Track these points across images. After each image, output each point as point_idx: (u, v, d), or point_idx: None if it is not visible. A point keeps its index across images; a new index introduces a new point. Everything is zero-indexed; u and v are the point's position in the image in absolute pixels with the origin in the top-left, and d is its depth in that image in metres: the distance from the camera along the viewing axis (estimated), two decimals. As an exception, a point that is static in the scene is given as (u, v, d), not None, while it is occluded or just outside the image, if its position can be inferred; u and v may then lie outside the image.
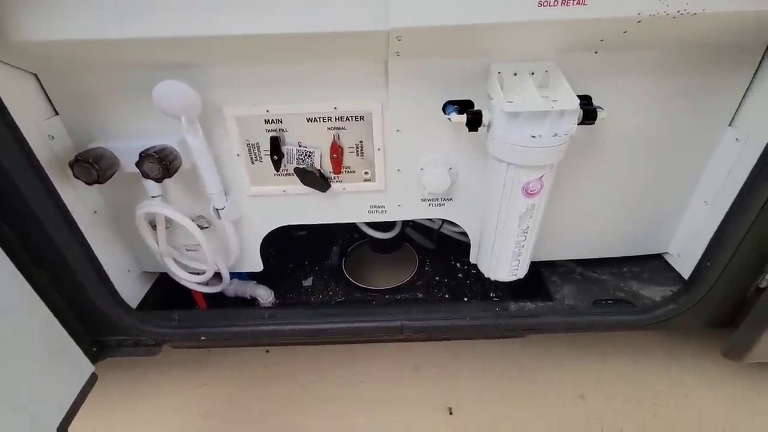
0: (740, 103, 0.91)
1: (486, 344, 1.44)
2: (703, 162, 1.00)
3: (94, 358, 0.99)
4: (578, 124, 0.80)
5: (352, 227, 1.45)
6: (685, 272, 1.10)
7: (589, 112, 0.80)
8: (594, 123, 0.81)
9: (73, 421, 0.91)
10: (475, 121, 0.81)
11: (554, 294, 1.11)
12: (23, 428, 0.76)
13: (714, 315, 1.02)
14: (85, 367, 0.96)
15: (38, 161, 0.76)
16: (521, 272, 1.01)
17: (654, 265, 1.19)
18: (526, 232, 0.91)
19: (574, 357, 1.39)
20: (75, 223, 0.84)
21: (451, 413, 1.27)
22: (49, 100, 0.86)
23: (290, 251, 1.56)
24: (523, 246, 0.93)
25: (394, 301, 1.39)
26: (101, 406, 1.27)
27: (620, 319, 1.02)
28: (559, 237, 1.10)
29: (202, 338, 0.98)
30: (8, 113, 0.70)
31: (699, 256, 0.98)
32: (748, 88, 0.89)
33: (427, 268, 1.51)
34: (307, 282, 1.48)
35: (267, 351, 1.48)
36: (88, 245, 0.87)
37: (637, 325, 1.01)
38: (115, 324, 0.95)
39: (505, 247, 0.94)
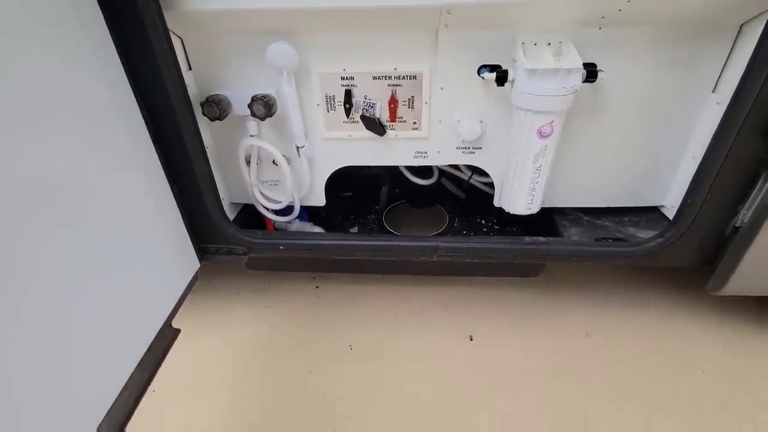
0: (720, 73, 1.13)
1: (503, 288, 1.69)
2: (691, 124, 1.22)
3: (198, 259, 1.30)
4: (582, 81, 1.04)
5: (393, 184, 1.72)
6: (678, 220, 1.31)
7: (591, 72, 1.04)
8: (595, 81, 1.05)
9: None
10: (502, 78, 1.07)
11: (563, 233, 1.34)
12: (135, 313, 1.01)
13: (698, 251, 1.23)
14: (194, 262, 1.26)
15: (191, 102, 1.07)
16: (535, 207, 1.25)
17: (652, 216, 1.40)
18: (539, 170, 1.15)
19: (580, 301, 1.61)
20: (206, 151, 1.14)
21: (471, 339, 1.52)
22: (187, 58, 1.18)
23: (338, 209, 1.85)
24: (536, 182, 1.18)
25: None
26: (190, 315, 1.59)
27: (616, 251, 1.24)
28: (569, 185, 1.34)
29: (281, 247, 1.27)
30: (179, 65, 1.00)
31: (689, 205, 1.19)
32: (726, 61, 1.11)
33: (455, 224, 1.76)
34: (354, 230, 1.76)
35: (317, 287, 1.77)
36: (211, 170, 1.17)
37: (630, 256, 1.23)
38: (219, 233, 1.25)
39: (522, 183, 1.19)
